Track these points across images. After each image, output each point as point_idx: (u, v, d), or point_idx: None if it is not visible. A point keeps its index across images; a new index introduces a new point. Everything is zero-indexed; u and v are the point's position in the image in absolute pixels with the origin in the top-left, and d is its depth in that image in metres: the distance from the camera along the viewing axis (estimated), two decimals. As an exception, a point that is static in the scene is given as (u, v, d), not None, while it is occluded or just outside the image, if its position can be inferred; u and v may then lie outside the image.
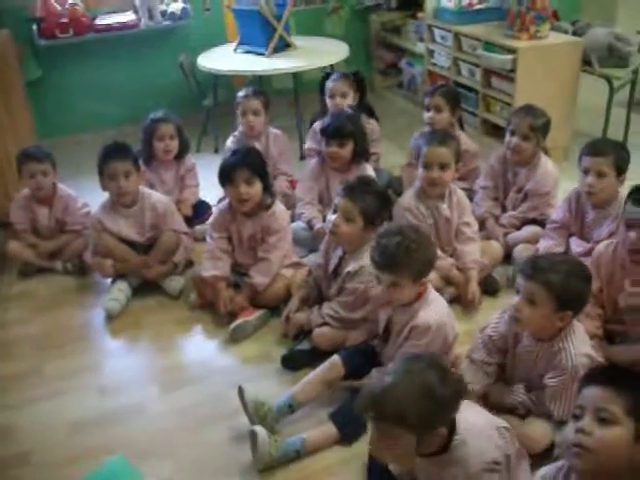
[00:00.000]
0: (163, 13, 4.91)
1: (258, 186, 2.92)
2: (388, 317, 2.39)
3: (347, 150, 3.30)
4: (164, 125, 3.57)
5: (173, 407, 2.48)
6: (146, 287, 3.19)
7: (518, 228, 3.26)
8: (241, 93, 3.77)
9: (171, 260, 3.21)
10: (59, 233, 3.51)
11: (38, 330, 3.00)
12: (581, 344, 2.09)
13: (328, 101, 3.82)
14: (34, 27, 4.69)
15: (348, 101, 3.80)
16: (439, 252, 2.92)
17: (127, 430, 2.38)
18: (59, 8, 4.68)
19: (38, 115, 4.89)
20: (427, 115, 3.60)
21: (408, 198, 3.03)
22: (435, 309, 2.29)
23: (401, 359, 1.74)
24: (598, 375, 1.53)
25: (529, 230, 3.20)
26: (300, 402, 2.34)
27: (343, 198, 2.59)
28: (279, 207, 3.03)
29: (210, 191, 3.80)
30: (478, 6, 4.53)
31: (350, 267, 2.61)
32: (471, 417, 1.73)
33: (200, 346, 2.87)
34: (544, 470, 1.62)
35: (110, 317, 3.02)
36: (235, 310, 2.89)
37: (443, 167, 2.90)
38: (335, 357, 2.40)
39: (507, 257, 3.17)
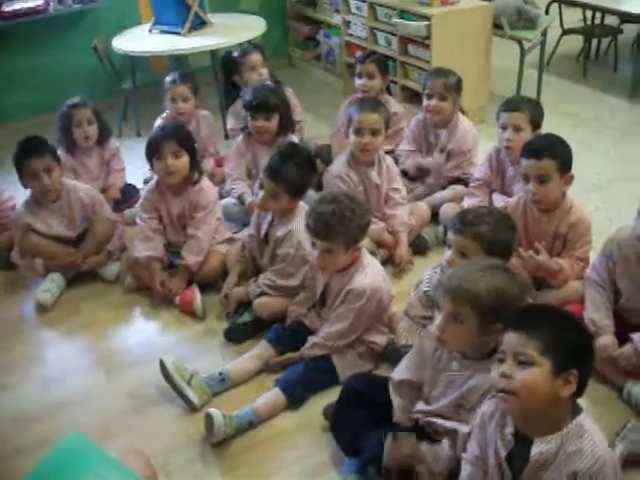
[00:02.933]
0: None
1: (185, 159, 2.92)
2: (325, 282, 2.44)
3: (273, 123, 3.32)
4: (81, 111, 3.49)
5: (120, 391, 2.47)
6: (81, 275, 3.13)
7: (443, 188, 3.37)
8: (168, 79, 3.71)
9: (105, 249, 3.16)
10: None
11: (-29, 327, 2.91)
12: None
13: (249, 76, 3.80)
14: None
15: (265, 72, 3.84)
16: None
17: (76, 418, 2.36)
18: (-40, -3, 4.46)
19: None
20: (359, 82, 3.66)
21: (339, 165, 3.08)
22: (370, 273, 2.36)
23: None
24: (513, 320, 1.59)
25: (453, 189, 3.32)
26: (233, 375, 2.41)
27: (266, 178, 2.62)
28: (206, 183, 3.04)
29: (136, 175, 3.76)
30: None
31: (279, 232, 2.66)
32: None
33: (141, 328, 2.86)
34: (485, 407, 1.71)
35: (44, 309, 2.95)
36: (173, 294, 2.89)
37: (374, 133, 2.97)
38: (263, 342, 2.50)
39: (434, 217, 3.29)
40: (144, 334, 2.81)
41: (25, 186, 3.04)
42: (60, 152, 3.43)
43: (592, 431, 1.52)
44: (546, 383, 1.48)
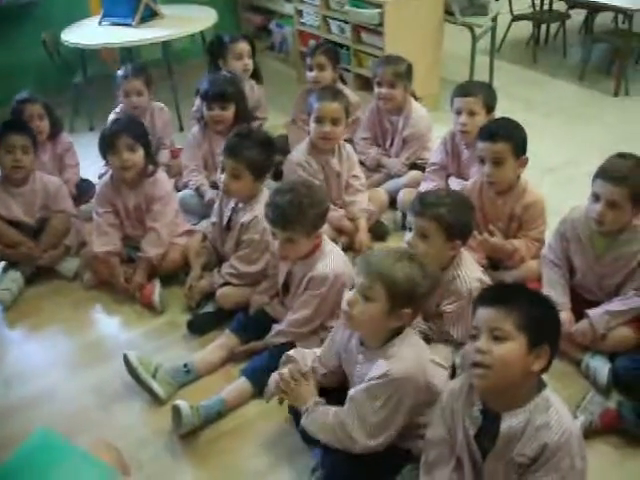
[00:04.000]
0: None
1: (140, 152, 2.90)
2: (287, 270, 2.45)
3: (229, 113, 3.30)
4: (31, 106, 3.40)
5: (85, 387, 2.44)
6: (40, 273, 3.08)
7: (401, 175, 3.40)
8: (121, 72, 3.64)
9: (63, 243, 3.11)
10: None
11: None
12: (472, 270, 2.26)
13: (233, 63, 3.75)
14: None
15: (251, 62, 3.81)
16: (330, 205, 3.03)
17: (40, 416, 2.32)
18: None
19: None
20: (311, 75, 3.65)
21: (299, 153, 3.08)
22: (332, 260, 2.37)
23: None
24: (488, 296, 1.62)
25: (410, 175, 3.37)
26: (198, 365, 2.41)
27: (227, 157, 2.61)
28: (161, 175, 3.02)
29: (91, 170, 3.69)
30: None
31: (244, 218, 2.66)
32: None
33: (103, 324, 2.83)
34: (451, 384, 1.75)
35: (3, 308, 2.89)
36: (135, 289, 2.86)
37: (335, 122, 2.97)
38: (227, 331, 2.51)
39: (392, 203, 3.33)
40: (106, 330, 2.78)
41: None
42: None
43: (557, 404, 1.57)
44: (520, 357, 1.52)
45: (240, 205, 2.71)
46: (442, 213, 2.16)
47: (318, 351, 2.11)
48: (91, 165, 3.74)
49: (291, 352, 2.12)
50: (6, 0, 4.60)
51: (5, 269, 3.02)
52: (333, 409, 1.87)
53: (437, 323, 2.31)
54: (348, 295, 1.85)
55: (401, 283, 1.77)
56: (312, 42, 4.51)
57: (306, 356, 2.09)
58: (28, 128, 3.11)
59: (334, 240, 2.81)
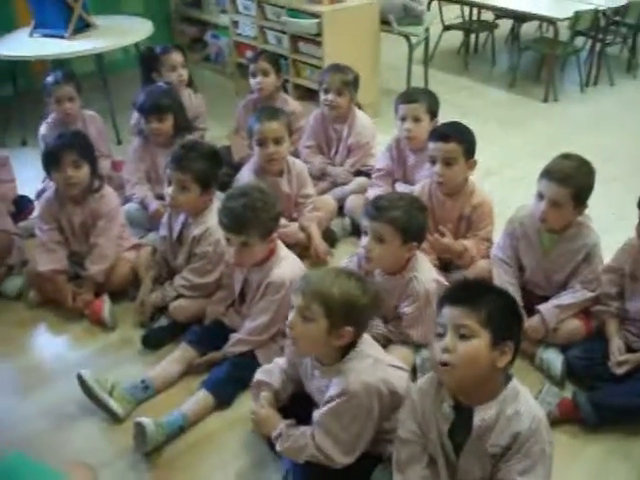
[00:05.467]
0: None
1: (86, 169, 2.82)
2: (243, 278, 2.44)
3: (168, 124, 3.26)
4: None
5: (36, 411, 2.34)
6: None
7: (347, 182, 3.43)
8: (50, 79, 3.53)
9: (5, 263, 2.98)
10: None
11: None
12: (428, 271, 2.31)
13: (167, 74, 3.69)
14: None
15: (185, 72, 3.76)
16: (283, 221, 3.02)
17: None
18: None
19: None
20: (255, 81, 3.64)
21: (246, 176, 3.04)
22: (288, 264, 2.37)
23: None
24: (453, 294, 1.65)
25: (356, 181, 3.40)
26: (156, 381, 2.36)
27: (173, 170, 2.58)
28: (107, 190, 2.95)
29: (25, 185, 3.56)
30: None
31: (196, 231, 2.63)
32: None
33: (51, 343, 2.72)
34: (419, 383, 1.77)
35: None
36: (82, 306, 2.78)
37: (277, 141, 2.95)
38: (183, 344, 2.46)
39: (340, 209, 3.35)
40: (56, 349, 2.68)
41: None
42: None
43: (524, 393, 1.62)
44: (486, 354, 1.55)
45: (190, 219, 2.67)
46: (397, 216, 2.19)
47: (281, 361, 2.10)
48: (27, 181, 3.62)
49: (259, 375, 2.08)
50: None
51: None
52: (306, 433, 1.85)
53: (396, 325, 2.35)
54: (289, 317, 1.83)
55: (338, 300, 1.76)
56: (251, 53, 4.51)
57: (274, 373, 2.06)
58: None
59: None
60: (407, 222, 2.20)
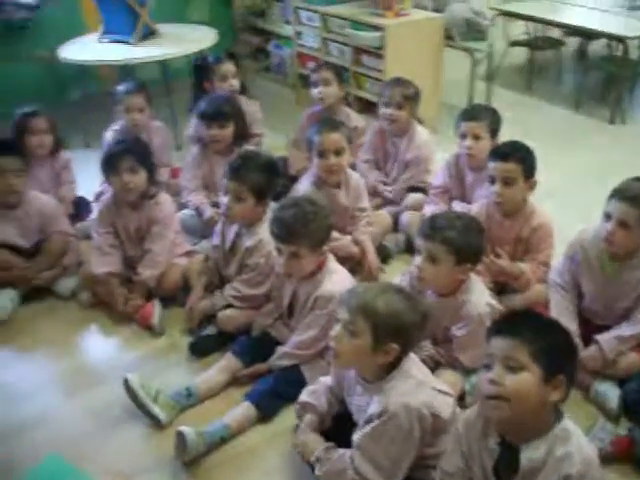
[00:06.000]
0: (15, 5, 4.58)
1: (143, 175, 2.85)
2: (292, 291, 2.41)
3: (228, 132, 3.28)
4: (37, 119, 3.38)
5: (82, 411, 2.37)
6: (35, 292, 3.00)
7: (402, 198, 3.38)
8: (122, 88, 3.61)
9: (60, 264, 3.04)
10: None
11: None
12: (481, 294, 2.24)
13: (219, 84, 3.72)
14: None
15: (236, 82, 3.78)
16: (336, 234, 2.99)
17: (36, 441, 2.24)
18: None
19: None
20: (316, 90, 3.63)
21: (305, 187, 3.01)
22: (338, 279, 2.34)
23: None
24: (503, 325, 1.59)
25: (413, 198, 3.34)
26: (200, 389, 2.35)
27: (230, 180, 2.58)
28: (163, 196, 2.98)
29: (86, 187, 3.64)
30: (342, -14, 4.63)
31: (248, 242, 2.62)
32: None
33: (100, 345, 2.76)
34: (465, 414, 1.70)
35: (-3, 326, 2.82)
36: (133, 311, 2.80)
37: (338, 153, 2.92)
38: (229, 354, 2.45)
39: (394, 225, 3.30)
40: (105, 351, 2.71)
41: None
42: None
43: (577, 433, 1.53)
44: (536, 388, 1.48)
45: (243, 230, 2.67)
46: (452, 236, 2.13)
47: (327, 379, 2.06)
48: (87, 183, 3.70)
49: (305, 396, 2.05)
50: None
51: (1, 286, 2.94)
52: (345, 456, 1.81)
53: (446, 348, 2.28)
54: (333, 331, 1.80)
55: (384, 316, 1.73)
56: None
57: (320, 395, 2.03)
58: (19, 150, 3.02)
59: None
60: (462, 243, 2.14)
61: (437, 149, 3.57)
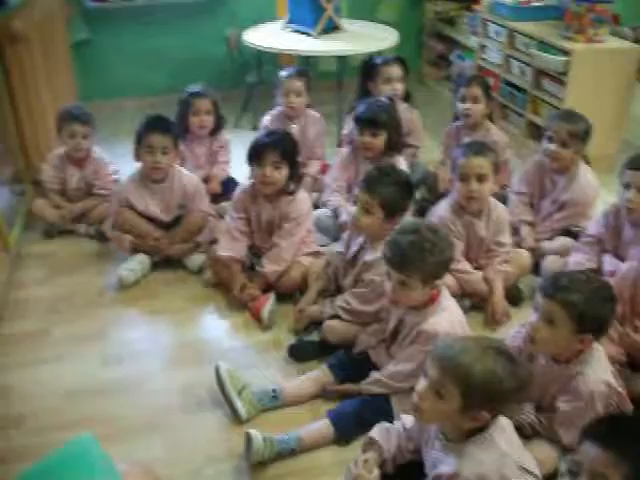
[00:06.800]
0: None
1: (285, 171, 2.86)
2: (399, 317, 2.30)
3: (380, 140, 3.20)
4: (201, 100, 3.52)
5: (173, 385, 2.44)
6: (167, 262, 3.15)
7: (550, 238, 3.12)
8: (284, 73, 3.69)
9: (194, 240, 3.16)
10: (86, 196, 3.50)
11: (53, 292, 2.99)
12: (601, 370, 1.98)
13: (382, 87, 3.68)
14: (85, -11, 4.69)
15: (401, 87, 3.71)
16: (467, 266, 2.83)
17: (123, 403, 2.35)
18: (111, -29, 4.67)
19: (81, 76, 4.90)
20: (463, 106, 3.48)
21: (443, 210, 2.87)
22: (447, 317, 2.18)
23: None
24: (600, 433, 1.39)
25: (561, 242, 3.06)
26: (286, 394, 2.32)
27: (362, 190, 2.52)
28: (301, 194, 2.97)
29: (241, 169, 3.75)
30: (536, 3, 4.36)
31: (368, 257, 2.55)
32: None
33: (209, 325, 2.83)
34: None
35: (122, 287, 2.99)
36: (247, 299, 2.83)
37: (481, 179, 2.75)
38: (323, 366, 2.39)
39: (535, 266, 3.04)
40: (211, 333, 2.78)
41: (137, 159, 3.09)
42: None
43: None
44: None
45: (368, 243, 2.59)
46: (575, 300, 1.90)
47: (408, 422, 1.94)
48: (242, 165, 3.81)
49: (376, 433, 1.94)
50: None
51: (137, 251, 3.12)
52: None
53: (548, 418, 2.05)
54: (419, 385, 1.66)
55: (478, 383, 1.56)
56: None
57: (391, 437, 1.91)
58: (171, 127, 3.11)
59: (459, 297, 2.66)
60: (584, 309, 1.89)
61: (607, 191, 3.23)
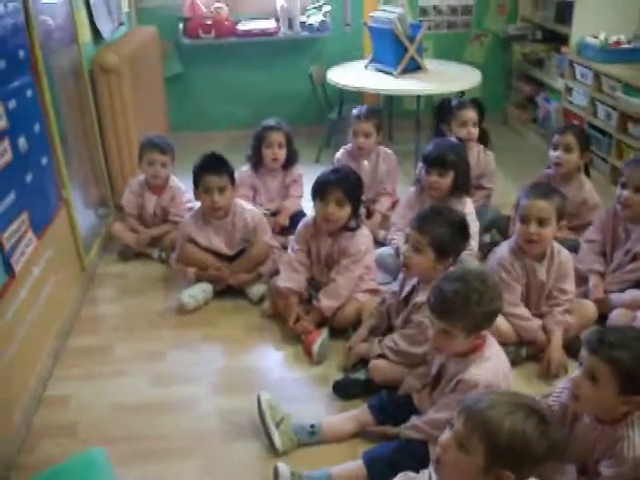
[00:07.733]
0: (302, 24, 5.00)
1: (347, 210, 2.87)
2: (441, 363, 2.25)
3: (447, 180, 3.17)
4: (274, 133, 3.62)
5: (217, 411, 2.49)
6: (229, 290, 3.23)
7: (621, 290, 2.97)
8: (355, 112, 3.74)
9: (257, 270, 3.23)
10: (161, 222, 3.67)
11: (120, 311, 3.15)
12: (646, 435, 1.85)
13: (457, 130, 3.67)
14: (180, 26, 4.96)
15: (475, 130, 3.68)
16: (525, 311, 2.75)
17: (165, 423, 2.43)
18: (205, 10, 4.92)
19: (173, 108, 5.17)
20: (554, 154, 3.38)
21: (504, 251, 2.80)
22: (489, 367, 2.11)
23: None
24: None
25: (632, 294, 2.90)
26: (325, 430, 2.31)
27: (412, 229, 2.50)
28: (362, 231, 2.97)
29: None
30: (625, 45, 4.21)
31: (419, 298, 2.52)
32: None
33: (262, 355, 2.87)
34: None
35: (184, 311, 3.10)
36: (301, 331, 2.87)
37: (542, 223, 2.67)
38: (364, 406, 2.37)
39: (603, 318, 2.89)
40: (262, 362, 2.82)
41: (197, 198, 3.19)
42: (246, 169, 3.63)
43: None
44: None
45: (421, 284, 2.56)
46: (621, 357, 1.79)
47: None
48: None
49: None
50: (284, 34, 5.00)
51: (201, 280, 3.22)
52: None
53: (591, 480, 1.95)
54: (444, 436, 1.61)
55: (504, 442, 1.49)
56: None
57: None
58: (226, 165, 3.12)
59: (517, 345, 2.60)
60: (632, 369, 1.77)
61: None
